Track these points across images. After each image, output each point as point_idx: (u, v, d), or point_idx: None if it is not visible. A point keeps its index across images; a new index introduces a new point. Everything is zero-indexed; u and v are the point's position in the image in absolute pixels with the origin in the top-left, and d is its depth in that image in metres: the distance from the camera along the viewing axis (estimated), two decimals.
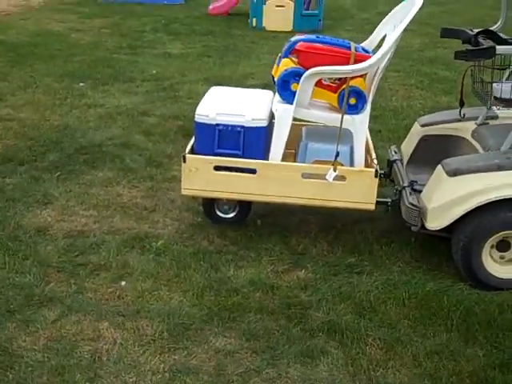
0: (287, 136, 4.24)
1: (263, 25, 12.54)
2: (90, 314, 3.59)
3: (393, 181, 4.67)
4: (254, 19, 12.64)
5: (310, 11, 12.99)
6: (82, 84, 8.05)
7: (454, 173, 3.88)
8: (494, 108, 4.29)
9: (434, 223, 3.93)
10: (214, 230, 4.55)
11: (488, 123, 4.51)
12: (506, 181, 3.82)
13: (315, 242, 4.45)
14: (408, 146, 4.83)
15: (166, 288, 3.86)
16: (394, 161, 4.71)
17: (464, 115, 4.51)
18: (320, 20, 12.67)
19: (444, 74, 9.16)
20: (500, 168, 3.84)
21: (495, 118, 4.58)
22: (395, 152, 4.85)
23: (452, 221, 3.87)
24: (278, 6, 12.49)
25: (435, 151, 4.44)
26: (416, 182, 4.30)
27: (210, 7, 14.06)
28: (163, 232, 4.52)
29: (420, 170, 4.47)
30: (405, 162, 4.72)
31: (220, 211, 4.60)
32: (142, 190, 5.16)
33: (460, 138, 4.52)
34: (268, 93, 4.72)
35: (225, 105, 4.42)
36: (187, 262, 4.12)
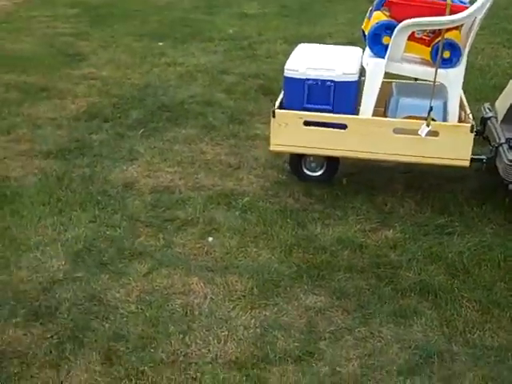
0: (378, 91, 4.12)
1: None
2: (180, 268, 3.62)
3: (487, 139, 4.50)
4: None
5: None
6: (160, 43, 8.05)
7: None
8: None
9: None
10: (300, 187, 4.50)
11: None
12: None
13: (402, 201, 4.35)
14: (503, 102, 4.61)
15: (254, 245, 3.85)
16: (489, 118, 4.51)
17: None
18: None
19: None
20: None
21: None
22: (489, 109, 4.65)
23: None
24: None
25: None
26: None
27: None
28: (248, 189, 4.50)
29: None
30: (500, 118, 4.53)
31: (307, 169, 4.54)
32: (226, 147, 5.15)
33: None
34: (357, 49, 4.60)
35: (314, 60, 4.34)
36: (274, 219, 4.10)
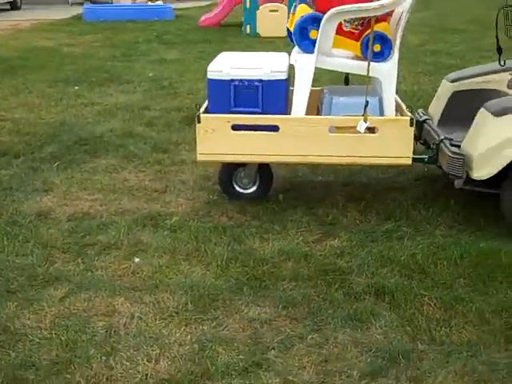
0: (309, 88, 3.84)
1: (257, 31, 12.25)
2: (102, 290, 3.15)
3: (424, 143, 4.26)
4: (248, 26, 12.37)
5: None
6: (76, 87, 7.67)
7: (501, 112, 3.48)
8: None
9: (482, 172, 3.52)
10: (233, 205, 4.12)
11: None
12: None
13: (345, 212, 4.03)
14: (437, 105, 4.43)
15: (186, 262, 3.43)
16: (424, 120, 4.29)
17: (505, 62, 4.11)
18: None
19: (449, 62, 8.85)
20: None
21: None
22: (423, 113, 4.45)
23: (502, 166, 3.46)
24: (271, 11, 12.21)
25: (468, 107, 4.03)
26: (451, 139, 3.89)
27: (202, 19, 13.81)
28: (177, 211, 4.10)
29: (453, 128, 4.06)
30: (435, 122, 4.32)
31: (239, 186, 4.17)
32: (150, 173, 4.75)
33: (494, 90, 4.12)
34: (283, 53, 4.34)
35: (240, 61, 4.04)
36: (207, 236, 3.69)
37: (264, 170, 4.16)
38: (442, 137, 3.89)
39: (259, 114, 3.84)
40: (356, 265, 3.35)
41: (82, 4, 18.54)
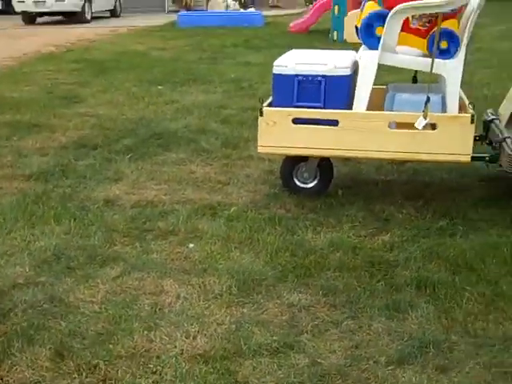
0: (372, 84, 3.87)
1: (344, 37, 12.25)
2: (154, 271, 3.30)
3: (490, 143, 4.19)
4: (336, 32, 12.42)
5: None
6: (160, 87, 7.98)
7: None
8: None
9: None
10: (292, 199, 4.20)
11: None
12: None
13: (401, 209, 4.03)
14: (507, 106, 4.34)
15: (237, 250, 3.54)
16: (492, 120, 4.22)
17: None
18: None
19: None
20: None
21: None
22: (492, 114, 4.37)
23: None
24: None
25: None
26: None
27: (291, 25, 13.97)
28: (237, 202, 4.22)
29: None
30: (503, 123, 4.24)
31: (299, 180, 4.25)
32: (217, 167, 4.91)
33: None
34: (351, 51, 4.38)
35: (305, 57, 4.13)
36: (261, 226, 3.79)
37: (324, 165, 4.22)
38: (507, 134, 3.82)
39: (321, 108, 3.88)
40: (403, 258, 3.36)
41: (177, 11, 19.15)
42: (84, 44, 13.02)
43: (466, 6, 3.92)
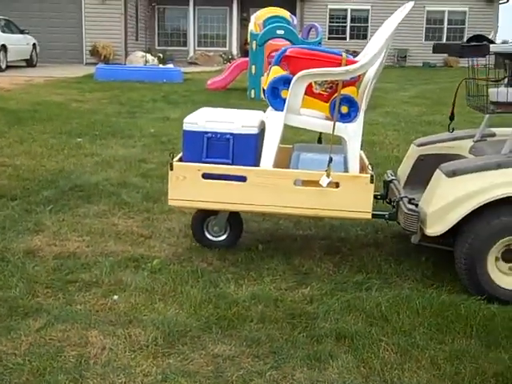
0: (278, 143, 4.07)
1: (261, 96, 12.63)
2: (78, 322, 3.30)
3: (389, 202, 4.47)
4: (253, 90, 12.79)
5: None
6: (79, 139, 7.98)
7: (452, 173, 3.71)
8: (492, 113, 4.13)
9: (434, 228, 3.72)
10: (213, 253, 4.30)
11: (486, 140, 4.40)
12: (506, 179, 3.64)
13: (320, 263, 4.21)
14: (404, 167, 4.70)
15: (162, 302, 3.59)
16: (391, 180, 4.55)
17: (453, 129, 4.43)
18: None
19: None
20: (500, 166, 3.67)
21: (492, 135, 4.50)
22: (391, 174, 4.71)
23: (452, 224, 3.66)
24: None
25: (431, 170, 4.24)
26: (414, 199, 4.08)
27: (209, 82, 14.28)
28: (159, 255, 4.28)
29: (417, 189, 4.27)
30: (402, 183, 4.57)
31: (210, 233, 4.39)
32: (138, 220, 4.96)
33: (457, 155, 4.35)
34: (259, 111, 4.58)
35: (214, 115, 4.29)
36: (184, 279, 3.87)
37: (234, 219, 4.38)
38: (403, 194, 4.12)
39: (229, 164, 4.05)
40: (322, 311, 3.51)
41: (95, 64, 19.19)
42: None
43: (364, 74, 4.21)
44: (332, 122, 4.00)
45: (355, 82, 4.11)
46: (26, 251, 4.24)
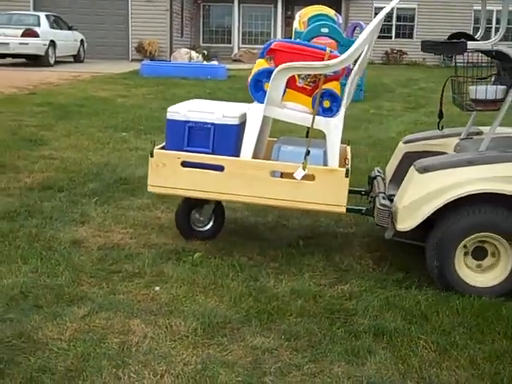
0: (257, 135, 4.10)
1: None
2: (121, 311, 3.39)
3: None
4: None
5: None
6: (124, 134, 8.12)
7: (424, 169, 3.74)
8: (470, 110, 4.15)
9: (404, 224, 3.75)
10: (254, 247, 4.36)
11: (472, 138, 4.37)
12: (476, 175, 3.66)
13: (360, 260, 4.23)
14: (391, 164, 4.73)
15: (202, 294, 3.66)
16: (375, 177, 4.54)
17: (442, 127, 4.42)
18: (361, 90, 12.74)
19: None
20: (471, 163, 3.69)
21: (480, 133, 4.48)
22: (378, 171, 4.70)
23: (422, 219, 3.69)
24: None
25: None
26: (394, 195, 4.09)
27: None
28: (201, 248, 4.34)
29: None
30: (388, 179, 4.58)
31: (195, 224, 4.49)
32: None
33: (442, 153, 4.32)
34: (245, 104, 4.55)
35: (198, 105, 4.35)
36: (225, 272, 3.92)
37: (218, 209, 4.50)
38: (381, 191, 4.16)
39: (209, 154, 4.10)
40: (361, 307, 3.52)
41: (141, 60, 19.44)
42: (47, 88, 13.12)
43: (348, 70, 4.20)
44: (311, 116, 4.03)
45: (338, 77, 4.15)
46: (72, 241, 4.35)
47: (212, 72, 16.17)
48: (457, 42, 3.88)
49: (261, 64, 4.22)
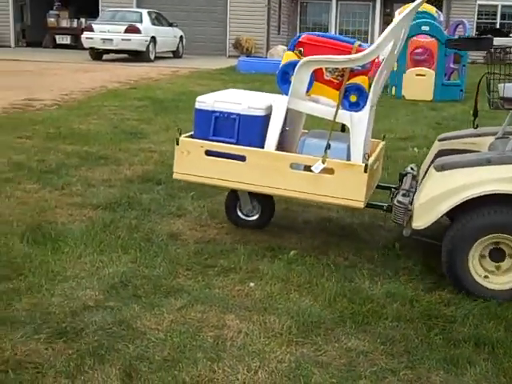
0: (281, 126, 4.07)
1: (402, 93, 12.43)
2: (216, 305, 3.42)
3: None
4: (394, 88, 12.58)
5: (451, 81, 12.77)
6: None
7: (441, 167, 3.64)
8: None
9: (420, 222, 3.66)
10: (349, 248, 4.31)
11: (507, 137, 4.14)
12: (493, 175, 3.52)
13: None
14: (426, 162, 4.58)
15: (297, 292, 3.64)
16: (406, 174, 4.44)
17: (477, 125, 4.30)
18: (462, 90, 12.39)
19: None
20: (489, 162, 3.54)
21: None
22: (412, 168, 4.58)
23: (437, 217, 3.59)
24: (418, 75, 12.37)
25: None
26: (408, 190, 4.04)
27: None
28: (296, 246, 4.33)
29: None
30: (420, 177, 4.42)
31: (242, 213, 4.58)
32: (278, 211, 5.01)
33: (475, 152, 4.14)
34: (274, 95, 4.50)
35: (227, 95, 4.34)
36: (320, 271, 3.90)
37: (266, 201, 4.54)
38: (406, 188, 4.10)
39: (234, 144, 4.11)
40: (460, 315, 3.41)
41: (237, 56, 19.65)
42: (147, 82, 13.47)
43: (378, 66, 4.08)
44: (334, 109, 3.97)
45: (367, 71, 4.05)
46: (169, 234, 4.44)
47: None
48: (482, 37, 3.76)
49: (289, 56, 4.22)
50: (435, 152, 4.54)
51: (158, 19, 21.45)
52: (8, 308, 3.28)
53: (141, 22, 19.95)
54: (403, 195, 3.97)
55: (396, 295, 3.61)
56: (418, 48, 12.57)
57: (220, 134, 4.18)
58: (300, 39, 4.16)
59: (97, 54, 19.96)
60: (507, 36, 4.46)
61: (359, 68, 4.02)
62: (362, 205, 3.96)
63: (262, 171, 4.06)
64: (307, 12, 29.96)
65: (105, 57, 20.40)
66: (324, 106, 4.07)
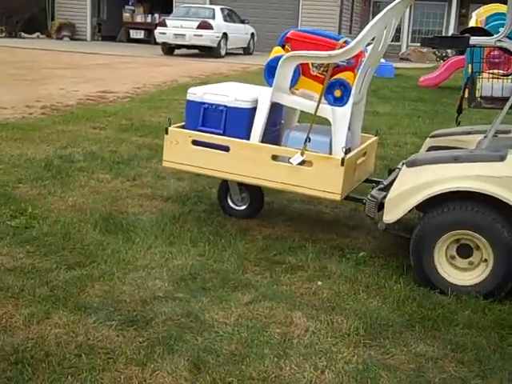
0: (265, 119, 4.16)
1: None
2: (284, 302, 3.43)
3: None
4: (467, 90, 12.28)
5: None
6: None
7: (411, 163, 3.70)
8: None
9: (389, 216, 3.71)
10: None
11: (497, 136, 4.01)
12: (458, 173, 3.51)
13: None
14: None
15: (365, 293, 3.61)
16: (394, 169, 4.46)
17: (459, 122, 4.35)
18: None
19: None
20: (456, 159, 3.55)
21: (507, 132, 4.20)
22: (403, 164, 4.40)
23: (404, 213, 3.66)
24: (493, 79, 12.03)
25: None
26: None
27: (421, 79, 13.96)
28: (364, 247, 4.29)
29: None
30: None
31: (232, 201, 4.70)
32: (345, 210, 5.02)
33: (463, 149, 4.03)
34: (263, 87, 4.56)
35: (217, 88, 4.44)
36: (388, 273, 3.85)
37: (254, 192, 4.61)
38: (385, 183, 4.16)
39: (221, 135, 4.23)
40: None
41: None
42: (217, 78, 13.58)
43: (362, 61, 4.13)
44: (316, 103, 4.02)
45: (353, 67, 4.08)
46: (238, 229, 4.46)
47: (379, 70, 15.88)
48: (458, 36, 3.71)
49: (277, 51, 4.29)
50: (426, 149, 4.57)
51: (230, 16, 21.61)
52: (81, 294, 3.37)
53: (213, 18, 20.15)
54: (379, 189, 4.04)
55: (467, 302, 3.53)
56: (495, 51, 12.23)
57: (208, 124, 4.34)
58: (288, 35, 4.29)
59: (169, 49, 20.27)
60: (490, 34, 4.40)
61: (344, 64, 4.10)
62: (338, 197, 4.05)
63: (245, 162, 4.20)
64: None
65: (176, 52, 20.69)
66: (306, 100, 4.16)
